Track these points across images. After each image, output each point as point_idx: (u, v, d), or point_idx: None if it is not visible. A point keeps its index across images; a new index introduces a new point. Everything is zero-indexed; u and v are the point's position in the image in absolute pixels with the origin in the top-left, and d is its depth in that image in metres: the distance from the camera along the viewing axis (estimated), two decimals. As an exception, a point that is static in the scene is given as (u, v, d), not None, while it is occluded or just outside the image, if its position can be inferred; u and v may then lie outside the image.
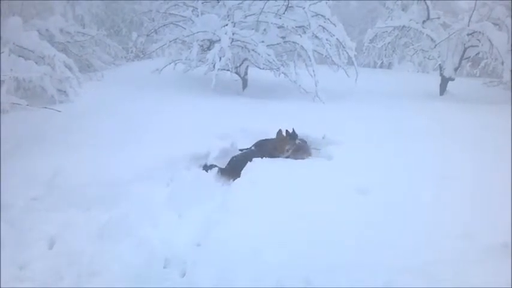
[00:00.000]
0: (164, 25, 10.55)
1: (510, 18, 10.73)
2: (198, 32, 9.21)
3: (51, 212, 4.12)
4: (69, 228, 3.91)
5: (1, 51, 6.62)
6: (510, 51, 10.26)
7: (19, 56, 7.39)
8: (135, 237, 3.80)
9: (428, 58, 11.87)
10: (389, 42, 12.08)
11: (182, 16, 10.18)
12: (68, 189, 4.52)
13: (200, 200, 4.59)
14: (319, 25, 9.68)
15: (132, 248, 3.67)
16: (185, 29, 9.80)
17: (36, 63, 7.47)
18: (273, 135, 6.15)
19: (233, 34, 9.01)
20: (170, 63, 9.98)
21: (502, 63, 10.05)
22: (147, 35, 11.00)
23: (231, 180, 5.15)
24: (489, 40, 10.11)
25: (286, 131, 5.88)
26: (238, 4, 9.55)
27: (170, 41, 9.84)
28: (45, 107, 6.69)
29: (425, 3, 11.46)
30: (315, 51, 9.69)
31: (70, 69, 8.24)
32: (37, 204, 4.30)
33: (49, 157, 5.15)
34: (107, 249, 3.68)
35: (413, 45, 12.06)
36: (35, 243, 3.73)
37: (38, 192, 4.50)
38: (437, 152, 5.90)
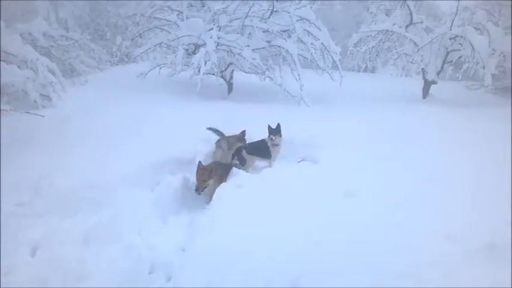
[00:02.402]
0: (149, 29, 10.51)
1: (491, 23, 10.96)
2: (183, 36, 9.20)
3: (36, 218, 4.06)
4: (53, 234, 3.85)
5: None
6: (492, 55, 10.46)
7: (1, 60, 7.27)
8: (120, 243, 3.77)
9: (411, 62, 12.01)
10: (373, 47, 12.21)
11: (167, 20, 10.16)
12: (53, 195, 4.46)
13: (185, 204, 4.57)
14: (304, 29, 9.74)
15: (117, 253, 3.64)
16: (170, 33, 9.79)
17: (18, 67, 7.36)
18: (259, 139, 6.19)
19: (218, 38, 9.01)
20: (155, 68, 9.95)
21: (483, 67, 10.22)
22: (132, 39, 10.92)
23: None
24: (471, 44, 10.28)
25: (268, 126, 5.93)
26: (223, 8, 9.56)
27: (155, 45, 9.81)
28: (28, 112, 6.59)
29: (409, 7, 11.63)
30: (300, 55, 9.74)
31: (53, 73, 8.14)
32: (22, 210, 4.24)
33: (32, 163, 5.09)
34: (92, 255, 3.64)
35: (396, 49, 12.21)
36: (19, 249, 3.68)
37: (22, 198, 4.43)
38: (421, 154, 5.97)
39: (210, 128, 6.24)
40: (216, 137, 6.20)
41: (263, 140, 6.11)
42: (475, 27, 10.76)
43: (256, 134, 6.25)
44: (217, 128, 6.27)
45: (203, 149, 5.97)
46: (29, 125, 6.35)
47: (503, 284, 3.10)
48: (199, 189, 4.98)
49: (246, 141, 6.12)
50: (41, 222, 4.01)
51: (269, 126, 5.98)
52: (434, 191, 4.65)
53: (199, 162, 5.11)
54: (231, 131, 6.43)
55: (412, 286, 3.11)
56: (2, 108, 6.35)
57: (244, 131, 6.15)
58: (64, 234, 3.87)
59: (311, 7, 10.18)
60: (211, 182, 5.00)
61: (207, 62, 8.57)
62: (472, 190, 4.71)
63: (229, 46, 9.17)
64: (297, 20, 9.60)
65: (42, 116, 6.30)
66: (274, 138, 5.93)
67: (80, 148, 5.62)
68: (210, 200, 4.68)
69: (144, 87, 9.74)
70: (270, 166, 6.00)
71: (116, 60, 13.91)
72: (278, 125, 5.98)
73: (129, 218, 4.15)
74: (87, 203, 4.32)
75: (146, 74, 9.84)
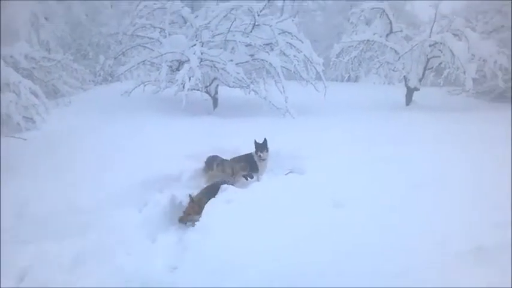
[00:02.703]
0: (132, 47, 10.53)
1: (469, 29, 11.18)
2: (166, 53, 9.21)
3: (22, 244, 3.98)
4: (40, 260, 3.78)
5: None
6: (471, 60, 10.66)
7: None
8: (109, 265, 3.70)
9: (393, 70, 12.18)
10: (355, 56, 12.37)
11: (150, 38, 10.19)
12: (38, 220, 4.38)
13: (174, 222, 4.53)
14: (287, 42, 9.84)
15: (106, 275, 3.58)
16: (153, 50, 9.81)
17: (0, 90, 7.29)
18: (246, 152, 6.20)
19: (202, 54, 9.05)
20: (139, 85, 9.94)
21: (464, 72, 10.40)
22: (115, 58, 10.91)
23: None
24: (450, 50, 10.47)
25: (255, 141, 5.93)
26: (205, 24, 9.62)
27: (138, 63, 9.82)
28: (12, 136, 6.51)
29: (388, 17, 11.83)
30: (284, 67, 9.82)
31: (36, 95, 8.06)
32: (7, 237, 4.15)
33: (18, 186, 5.01)
34: (81, 278, 3.57)
35: (378, 58, 12.37)
36: (6, 276, 3.60)
37: (8, 224, 4.34)
38: (407, 160, 6.01)
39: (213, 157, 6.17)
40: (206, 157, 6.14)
41: (250, 154, 6.11)
42: (453, 34, 10.97)
43: (244, 147, 6.26)
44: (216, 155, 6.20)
45: (190, 165, 5.94)
46: (14, 148, 6.27)
47: (494, 284, 3.13)
48: (183, 220, 4.88)
49: (248, 171, 6.04)
50: (28, 248, 3.93)
51: (255, 142, 5.97)
52: (423, 197, 4.67)
53: (190, 195, 5.03)
54: (218, 145, 6.46)
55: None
56: None
57: (247, 165, 6.11)
58: (52, 259, 3.79)
59: (292, 20, 10.29)
60: (196, 217, 4.81)
61: (191, 78, 8.59)
62: (460, 193, 4.75)
63: (212, 61, 9.22)
64: (279, 33, 9.70)
65: (25, 139, 6.25)
66: (261, 154, 5.92)
67: (66, 170, 5.56)
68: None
69: (129, 105, 9.71)
70: (257, 180, 5.99)
71: (99, 79, 13.87)
72: (265, 140, 5.97)
73: (118, 239, 4.10)
74: (75, 226, 4.25)
75: (130, 92, 9.83)
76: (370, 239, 3.75)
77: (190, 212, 4.89)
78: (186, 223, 4.87)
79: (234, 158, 6.13)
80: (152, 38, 10.17)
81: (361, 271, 3.34)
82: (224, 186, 5.19)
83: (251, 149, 6.11)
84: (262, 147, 5.94)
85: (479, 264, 3.33)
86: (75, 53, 16.78)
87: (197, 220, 4.65)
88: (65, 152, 6.28)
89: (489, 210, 4.29)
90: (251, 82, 9.85)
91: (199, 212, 4.80)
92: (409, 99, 12.06)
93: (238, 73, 9.25)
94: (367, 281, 3.22)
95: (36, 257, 3.83)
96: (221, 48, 9.64)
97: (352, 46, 12.36)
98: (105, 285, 3.45)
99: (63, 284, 3.52)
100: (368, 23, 13.31)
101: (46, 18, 13.27)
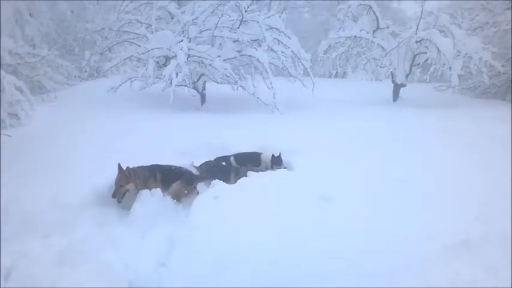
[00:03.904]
0: (118, 43, 10.45)
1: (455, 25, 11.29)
2: (153, 49, 9.15)
3: (6, 242, 3.91)
4: (25, 258, 3.71)
5: None
6: (457, 57, 10.77)
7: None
8: (96, 261, 3.64)
9: (380, 66, 12.25)
10: (342, 52, 12.42)
11: (136, 33, 10.12)
12: (23, 217, 4.31)
13: (162, 218, 4.49)
14: (274, 38, 9.84)
15: (93, 273, 3.52)
16: (140, 46, 9.73)
17: (-17, 87, 7.17)
18: (234, 149, 6.18)
19: (189, 50, 9.00)
20: (126, 81, 9.86)
21: (450, 68, 10.50)
22: (101, 54, 10.82)
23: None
24: (436, 47, 10.57)
25: (272, 155, 5.89)
26: (192, 20, 9.57)
27: (125, 59, 9.75)
28: (-4, 132, 6.41)
29: (374, 13, 11.88)
30: (271, 63, 9.82)
31: (21, 91, 7.95)
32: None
33: (1, 184, 4.92)
34: (66, 275, 3.51)
35: (365, 54, 12.43)
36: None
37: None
38: (394, 156, 6.07)
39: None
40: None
41: (256, 154, 6.09)
42: (439, 30, 11.07)
43: (233, 144, 6.25)
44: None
45: (179, 161, 5.89)
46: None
47: (480, 278, 3.16)
48: (115, 195, 4.70)
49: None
50: (11, 247, 3.86)
51: (273, 156, 5.92)
52: (409, 191, 4.73)
53: (119, 164, 4.81)
54: (206, 141, 6.44)
55: (389, 286, 3.14)
56: None
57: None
58: (36, 257, 3.72)
59: (280, 16, 10.29)
60: (130, 186, 4.76)
61: (179, 74, 8.55)
62: (446, 187, 4.82)
63: (200, 57, 9.17)
64: (267, 29, 9.70)
65: (9, 136, 6.16)
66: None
67: (51, 166, 5.48)
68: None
69: (116, 101, 9.62)
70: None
71: (85, 75, 13.74)
72: (279, 155, 5.97)
73: (105, 236, 4.05)
74: (59, 224, 4.18)
75: (117, 88, 9.74)
76: (358, 234, 3.77)
77: (122, 183, 4.72)
78: (121, 198, 4.73)
79: (239, 154, 6.08)
80: (139, 34, 10.09)
81: (349, 267, 3.35)
82: (213, 181, 5.18)
83: (240, 144, 6.11)
84: (279, 161, 5.92)
85: (465, 258, 3.36)
86: (61, 48, 16.57)
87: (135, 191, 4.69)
88: (51, 148, 6.20)
89: (474, 203, 4.35)
90: (239, 78, 9.85)
91: (128, 181, 4.72)
92: (396, 95, 12.15)
93: (225, 69, 9.23)
94: (351, 280, 3.23)
95: (21, 255, 3.76)
96: (208, 44, 9.61)
97: (340, 42, 12.43)
98: (93, 283, 3.40)
99: (49, 282, 3.46)
100: (355, 19, 13.35)
101: (31, 15, 13.06)
